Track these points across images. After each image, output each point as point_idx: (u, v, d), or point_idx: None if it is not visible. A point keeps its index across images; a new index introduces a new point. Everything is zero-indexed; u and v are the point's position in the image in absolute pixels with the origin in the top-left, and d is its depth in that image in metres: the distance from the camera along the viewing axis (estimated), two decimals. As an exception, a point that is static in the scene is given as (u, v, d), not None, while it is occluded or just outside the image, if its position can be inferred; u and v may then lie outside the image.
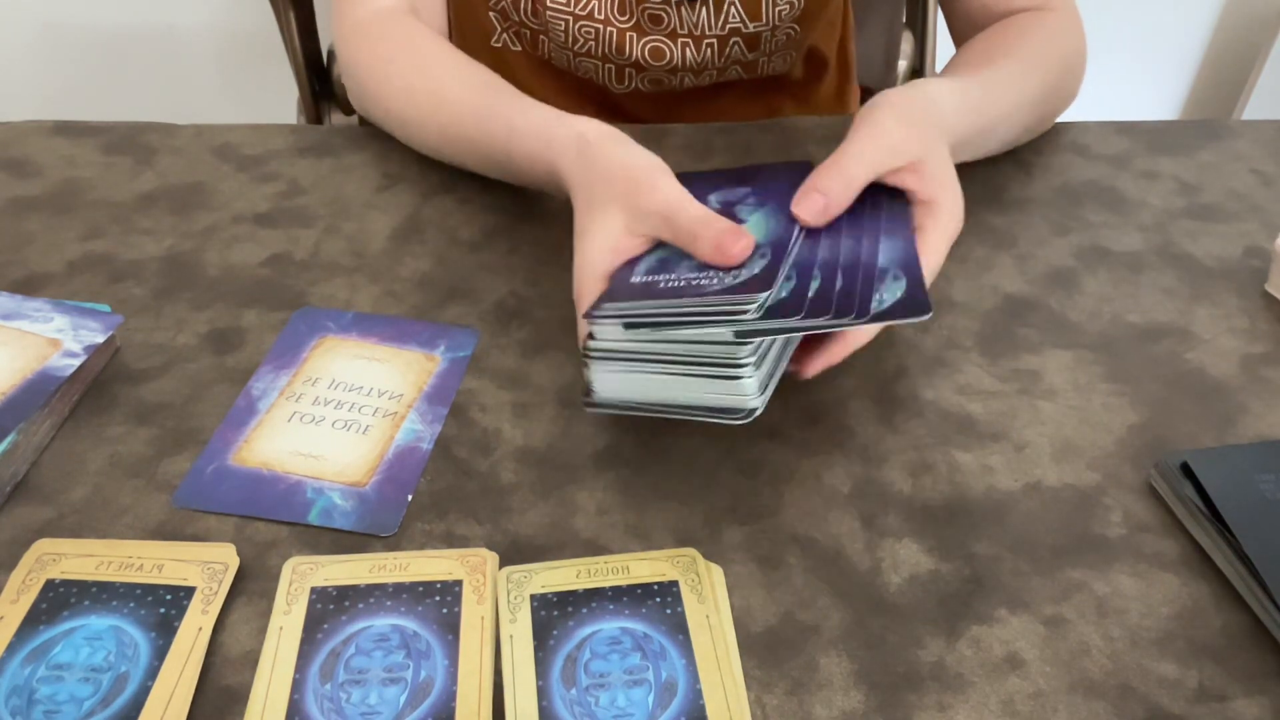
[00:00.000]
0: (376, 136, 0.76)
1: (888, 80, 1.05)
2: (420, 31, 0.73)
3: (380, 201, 0.70)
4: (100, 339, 0.54)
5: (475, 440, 0.53)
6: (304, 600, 0.44)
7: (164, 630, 0.43)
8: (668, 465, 0.52)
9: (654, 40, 0.77)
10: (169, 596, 0.44)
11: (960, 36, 0.82)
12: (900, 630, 0.44)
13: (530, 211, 0.69)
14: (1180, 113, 1.94)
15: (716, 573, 0.46)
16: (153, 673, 0.41)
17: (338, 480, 0.50)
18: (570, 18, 0.76)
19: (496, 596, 0.45)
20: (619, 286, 0.50)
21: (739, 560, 0.47)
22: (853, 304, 0.46)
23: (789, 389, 0.56)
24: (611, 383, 0.49)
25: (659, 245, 0.53)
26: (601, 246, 0.52)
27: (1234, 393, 0.57)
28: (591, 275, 0.51)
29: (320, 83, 1.09)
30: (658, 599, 0.44)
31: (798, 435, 0.53)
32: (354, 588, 0.45)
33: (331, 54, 1.08)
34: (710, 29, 0.77)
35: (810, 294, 0.47)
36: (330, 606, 0.44)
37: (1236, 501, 0.47)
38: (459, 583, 0.45)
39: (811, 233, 0.51)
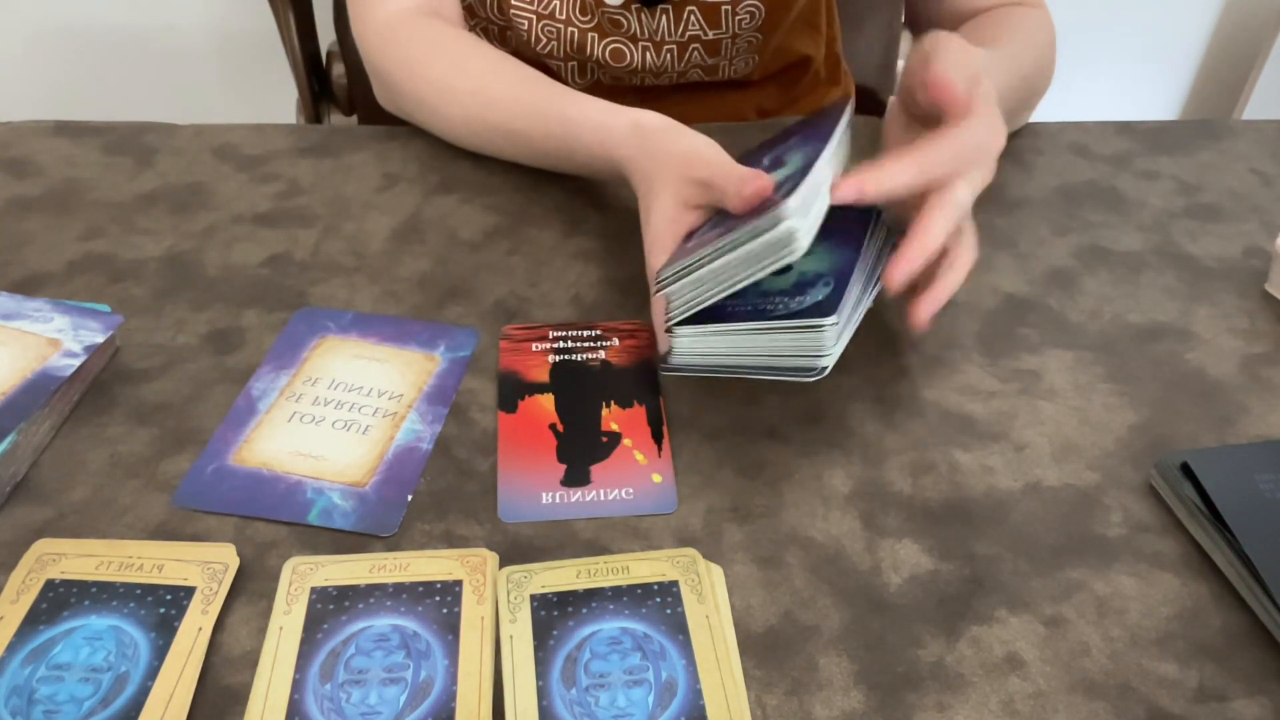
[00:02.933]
0: (376, 136, 0.76)
1: (886, 80, 1.04)
2: (448, 30, 0.73)
3: (380, 201, 0.70)
4: (100, 339, 0.54)
5: (475, 440, 0.53)
6: (304, 600, 0.44)
7: (164, 630, 0.43)
8: (668, 465, 0.52)
9: (614, 42, 0.78)
10: (169, 596, 0.44)
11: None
12: (900, 630, 0.44)
13: (530, 211, 0.69)
14: (1180, 113, 1.94)
15: (716, 573, 0.46)
16: (153, 673, 0.41)
17: (338, 480, 0.50)
18: (534, 16, 0.77)
19: (496, 596, 0.45)
20: (678, 251, 0.54)
21: (739, 560, 0.47)
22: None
23: (788, 389, 0.56)
24: (694, 344, 0.52)
25: (716, 213, 0.56)
26: (661, 220, 0.56)
27: (1234, 393, 0.57)
28: (658, 249, 0.56)
29: (320, 83, 1.09)
30: (658, 599, 0.44)
31: (798, 435, 0.53)
32: (354, 588, 0.45)
33: (331, 54, 1.08)
34: (670, 35, 0.77)
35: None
36: (330, 606, 0.44)
37: (1236, 501, 0.47)
38: (459, 583, 0.45)
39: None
